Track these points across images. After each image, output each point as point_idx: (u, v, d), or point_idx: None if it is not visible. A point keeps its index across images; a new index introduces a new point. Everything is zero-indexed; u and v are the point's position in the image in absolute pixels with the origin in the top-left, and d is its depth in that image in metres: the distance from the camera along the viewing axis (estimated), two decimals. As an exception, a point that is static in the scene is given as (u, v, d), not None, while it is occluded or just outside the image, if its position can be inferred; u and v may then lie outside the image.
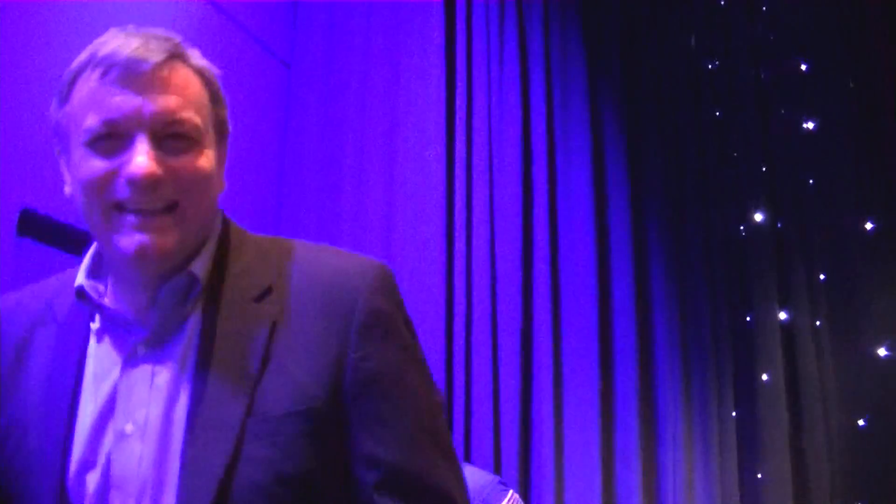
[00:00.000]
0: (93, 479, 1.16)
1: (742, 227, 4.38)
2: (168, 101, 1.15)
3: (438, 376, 3.62)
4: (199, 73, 1.22)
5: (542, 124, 4.16)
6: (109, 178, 1.14)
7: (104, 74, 1.14)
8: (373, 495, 1.15)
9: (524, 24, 4.30)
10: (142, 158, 1.12)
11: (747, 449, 4.09)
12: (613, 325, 4.08)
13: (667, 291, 4.16)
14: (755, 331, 4.24)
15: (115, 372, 1.19)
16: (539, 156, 4.12)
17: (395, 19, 4.15)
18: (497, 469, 3.68)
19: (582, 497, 3.80)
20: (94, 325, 1.24)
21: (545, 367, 3.88)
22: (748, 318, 4.27)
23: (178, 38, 1.21)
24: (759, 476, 4.07)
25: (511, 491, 2.74)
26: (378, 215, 3.91)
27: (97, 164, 1.14)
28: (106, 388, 1.19)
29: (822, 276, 4.32)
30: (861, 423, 4.13)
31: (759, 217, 4.35)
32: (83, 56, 1.18)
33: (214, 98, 1.24)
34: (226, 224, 1.29)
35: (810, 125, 4.45)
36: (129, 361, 1.19)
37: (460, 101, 4.07)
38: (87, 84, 1.15)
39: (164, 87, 1.15)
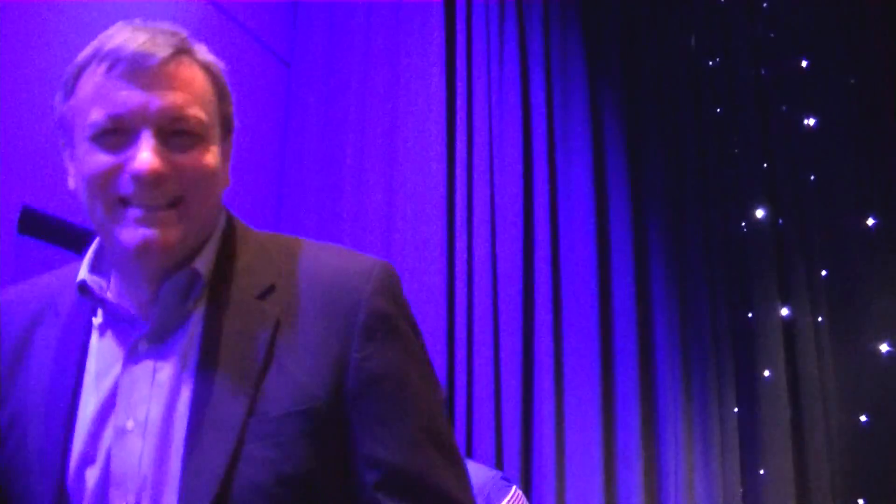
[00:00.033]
0: (92, 476, 1.15)
1: (743, 225, 4.38)
2: (174, 98, 1.14)
3: (440, 373, 3.62)
4: (206, 68, 1.21)
5: (542, 123, 4.16)
6: (114, 172, 1.13)
7: (110, 69, 1.13)
8: (375, 495, 1.14)
9: (524, 23, 4.30)
10: (146, 154, 1.11)
11: (748, 447, 4.09)
12: (614, 324, 4.08)
13: (667, 289, 4.16)
14: (756, 329, 4.24)
15: (117, 368, 1.19)
16: (539, 154, 4.13)
17: (395, 18, 4.15)
18: (499, 466, 3.69)
19: (583, 494, 3.80)
20: (96, 321, 1.23)
21: (546, 364, 3.88)
22: (749, 316, 4.27)
23: (184, 33, 1.20)
24: (761, 473, 4.07)
25: (514, 487, 2.73)
26: (378, 214, 3.91)
27: (102, 159, 1.14)
28: (107, 384, 1.19)
29: (823, 274, 4.32)
30: (862, 419, 4.13)
31: (759, 214, 4.35)
32: (89, 49, 1.17)
33: (220, 94, 1.23)
34: (230, 220, 1.29)
35: (811, 123, 4.45)
36: (131, 357, 1.19)
37: (461, 101, 4.07)
38: (93, 78, 1.15)
39: (170, 82, 1.15)
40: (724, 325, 4.22)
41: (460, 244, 3.90)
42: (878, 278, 4.22)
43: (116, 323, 1.22)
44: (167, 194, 1.14)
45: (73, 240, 2.57)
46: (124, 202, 1.14)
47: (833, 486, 4.04)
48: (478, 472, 2.66)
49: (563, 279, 4.07)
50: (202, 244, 1.22)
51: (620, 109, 4.34)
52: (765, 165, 4.42)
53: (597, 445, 3.85)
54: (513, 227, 4.02)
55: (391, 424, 1.16)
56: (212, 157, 1.19)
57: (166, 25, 1.19)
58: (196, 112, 1.16)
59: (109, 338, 1.22)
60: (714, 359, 4.14)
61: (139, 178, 1.12)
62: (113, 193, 1.14)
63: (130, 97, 1.13)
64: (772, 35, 4.55)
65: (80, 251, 1.28)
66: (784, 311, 4.25)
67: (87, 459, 1.16)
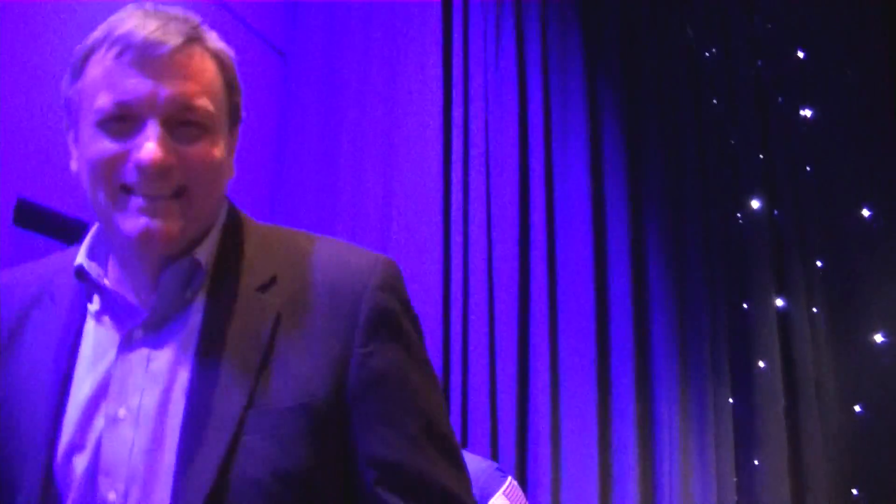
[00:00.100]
0: (81, 463, 1.14)
1: (739, 216, 4.38)
2: (182, 87, 1.13)
3: (436, 365, 3.62)
4: (216, 57, 1.20)
5: (539, 116, 4.16)
6: (119, 160, 1.12)
7: (119, 55, 1.12)
8: (376, 491, 1.13)
9: (522, 16, 4.29)
10: (152, 145, 1.10)
11: (744, 437, 4.10)
12: (610, 315, 4.09)
13: (663, 281, 4.16)
14: (751, 320, 4.24)
15: (111, 354, 1.17)
16: (536, 145, 4.13)
17: (393, 10, 4.14)
18: (494, 457, 3.69)
19: (579, 484, 3.81)
20: (92, 307, 1.22)
21: (542, 355, 3.89)
22: (744, 308, 4.28)
23: (197, 20, 1.19)
24: (756, 463, 4.08)
25: (509, 478, 2.73)
26: (375, 207, 3.91)
27: (107, 145, 1.12)
28: (100, 371, 1.17)
29: (818, 265, 4.32)
30: (857, 411, 4.14)
31: (756, 205, 4.35)
32: (98, 32, 1.15)
33: (229, 84, 1.22)
34: (232, 212, 1.27)
35: (808, 115, 4.45)
36: (126, 345, 1.17)
37: (457, 93, 4.06)
38: (102, 62, 1.13)
39: (179, 72, 1.13)
40: (721, 314, 4.22)
41: (457, 237, 3.90)
42: (874, 270, 4.23)
43: (113, 309, 1.21)
44: (171, 185, 1.13)
45: (68, 231, 2.57)
46: (127, 190, 1.13)
47: (828, 475, 4.05)
48: (473, 463, 2.65)
49: (559, 271, 4.08)
50: (204, 234, 1.21)
51: (618, 103, 4.34)
52: (761, 157, 4.42)
53: (592, 436, 3.86)
54: (509, 216, 4.02)
55: (392, 423, 1.15)
56: (218, 148, 1.18)
57: (178, 10, 1.18)
58: (204, 103, 1.15)
59: (104, 324, 1.20)
60: (709, 350, 4.15)
61: (144, 168, 1.10)
62: (116, 181, 1.13)
63: (139, 85, 1.11)
64: (769, 28, 4.55)
65: (76, 243, 1.26)
66: (779, 303, 4.26)
67: (76, 446, 1.14)
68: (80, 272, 1.20)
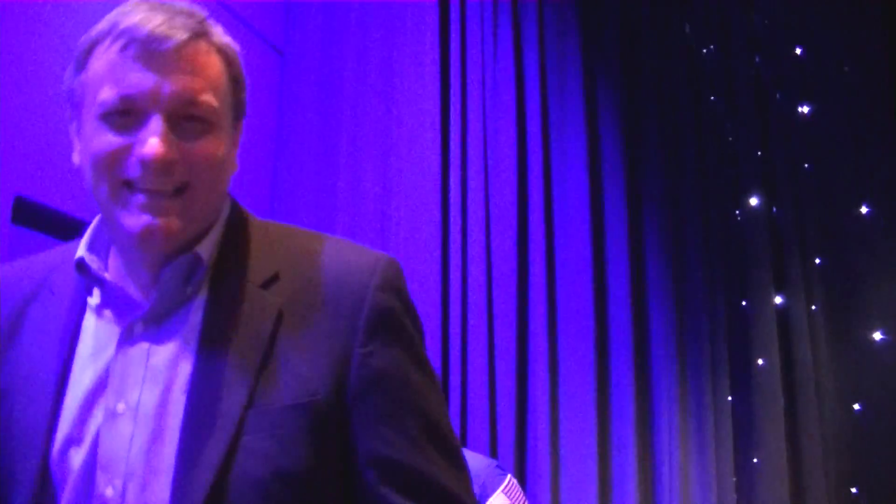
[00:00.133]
0: (78, 458, 1.13)
1: (738, 214, 4.38)
2: (187, 83, 1.12)
3: (435, 363, 3.62)
4: (222, 53, 1.18)
5: (537, 111, 4.15)
6: (121, 154, 1.11)
7: (124, 48, 1.11)
8: (376, 491, 1.13)
9: (519, 12, 4.29)
10: (155, 140, 1.09)
11: (742, 434, 4.10)
12: (609, 312, 4.08)
13: (662, 278, 4.16)
14: (751, 317, 4.25)
15: (111, 349, 1.16)
16: (534, 144, 4.12)
17: (390, 10, 4.13)
18: (493, 454, 3.69)
19: (578, 482, 3.81)
20: (92, 300, 1.21)
21: (541, 353, 3.89)
22: (743, 305, 4.28)
23: (203, 14, 1.17)
24: (755, 461, 4.08)
25: (509, 475, 2.74)
26: (373, 205, 3.90)
27: (110, 139, 1.11)
28: (99, 365, 1.16)
29: (817, 262, 4.33)
30: (856, 407, 4.14)
31: (755, 203, 4.35)
32: (104, 24, 1.14)
33: (234, 79, 1.20)
34: (235, 208, 1.26)
35: (806, 111, 4.45)
36: (126, 339, 1.16)
37: (455, 89, 4.06)
38: (106, 55, 1.12)
39: (184, 67, 1.12)
40: (720, 311, 4.23)
41: (455, 236, 3.90)
42: (873, 267, 4.24)
43: (113, 303, 1.19)
44: (174, 181, 1.12)
45: (66, 229, 2.56)
46: (129, 185, 1.12)
47: (826, 474, 4.05)
48: (473, 461, 2.66)
49: (557, 268, 4.07)
50: (206, 230, 1.20)
51: (616, 99, 4.33)
52: (760, 155, 4.42)
53: (591, 434, 3.86)
54: (508, 216, 4.01)
55: (393, 423, 1.15)
56: (221, 144, 1.17)
57: (184, 5, 1.17)
58: (208, 98, 1.14)
59: (104, 318, 1.19)
60: (708, 347, 4.15)
61: (146, 164, 1.10)
62: (119, 175, 1.12)
63: (143, 79, 1.10)
64: (768, 25, 4.55)
65: (76, 238, 1.25)
66: (778, 300, 4.26)
67: (73, 440, 1.13)
68: (81, 265, 1.19)
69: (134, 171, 1.11)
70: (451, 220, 3.90)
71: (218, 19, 1.21)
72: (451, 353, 3.77)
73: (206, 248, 1.19)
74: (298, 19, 4.16)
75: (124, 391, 1.14)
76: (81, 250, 1.20)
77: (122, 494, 1.11)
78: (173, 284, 1.17)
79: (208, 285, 1.18)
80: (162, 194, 1.12)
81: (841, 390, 4.17)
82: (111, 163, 1.12)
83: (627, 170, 4.23)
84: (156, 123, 1.10)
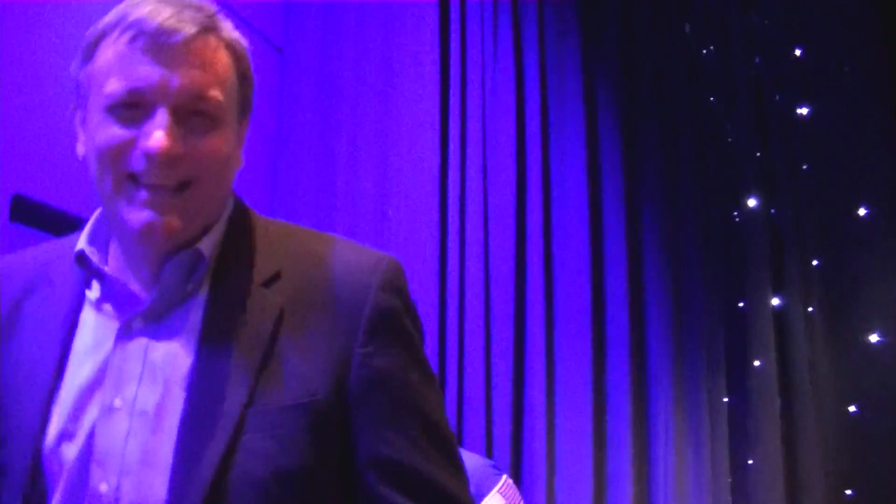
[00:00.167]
0: (71, 452, 1.12)
1: (736, 214, 4.38)
2: (195, 77, 1.11)
3: (432, 361, 3.62)
4: (231, 48, 1.18)
5: (536, 110, 4.15)
6: (126, 147, 1.10)
7: (132, 40, 1.10)
8: (376, 491, 1.13)
9: (519, 12, 4.29)
10: (160, 133, 1.09)
11: (739, 435, 4.11)
12: (606, 311, 4.08)
13: (660, 278, 4.16)
14: (748, 317, 4.25)
15: (109, 344, 1.15)
16: (533, 143, 4.12)
17: (390, 8, 4.13)
18: (489, 454, 3.69)
19: (573, 483, 3.81)
20: (91, 294, 1.20)
21: (538, 353, 3.89)
22: (740, 306, 4.28)
23: (213, 9, 1.17)
24: (751, 462, 4.09)
25: (504, 475, 2.73)
26: (371, 204, 3.90)
27: (115, 132, 1.11)
28: (97, 359, 1.15)
29: (815, 263, 4.33)
30: (852, 409, 4.14)
31: (752, 203, 4.35)
32: (112, 15, 1.13)
33: (242, 75, 1.19)
34: (238, 205, 1.26)
35: (805, 112, 4.45)
36: (124, 334, 1.15)
37: (454, 88, 4.05)
38: (114, 47, 1.12)
39: (192, 61, 1.11)
40: (717, 312, 4.23)
41: (453, 234, 3.89)
42: (870, 268, 4.24)
43: (112, 297, 1.18)
44: (178, 175, 1.11)
45: (64, 227, 2.56)
46: (133, 179, 1.11)
47: (823, 473, 4.05)
48: (468, 461, 2.64)
49: (555, 268, 4.07)
50: (209, 226, 1.19)
51: (615, 98, 4.33)
52: (759, 156, 4.42)
53: (587, 434, 3.86)
54: (506, 215, 4.01)
55: (393, 423, 1.14)
56: (227, 141, 1.16)
57: None
58: (215, 94, 1.13)
59: (103, 312, 1.18)
60: (705, 348, 4.15)
61: (151, 157, 1.09)
62: (123, 168, 1.11)
63: (151, 72, 1.10)
64: (767, 25, 4.55)
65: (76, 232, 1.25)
66: (775, 301, 4.26)
67: (67, 434, 1.12)
68: (82, 258, 1.18)
69: (138, 165, 1.10)
70: (450, 219, 3.90)
71: (218, 17, 1.19)
72: (448, 351, 3.77)
73: (208, 245, 1.18)
74: (298, 18, 4.15)
75: (121, 387, 1.13)
76: (82, 243, 1.19)
77: (117, 491, 1.10)
78: (174, 281, 1.16)
79: (209, 282, 1.18)
80: (165, 190, 1.11)
81: (838, 391, 4.17)
82: (116, 155, 1.11)
83: (626, 170, 4.23)
84: (162, 117, 1.10)
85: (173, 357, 1.13)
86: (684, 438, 4.02)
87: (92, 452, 1.11)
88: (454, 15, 4.14)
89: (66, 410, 1.13)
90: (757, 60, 4.56)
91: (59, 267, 1.23)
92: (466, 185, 3.98)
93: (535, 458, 3.78)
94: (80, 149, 1.18)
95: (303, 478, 1.10)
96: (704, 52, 4.53)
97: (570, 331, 3.99)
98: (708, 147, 4.41)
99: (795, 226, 4.34)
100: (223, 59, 1.16)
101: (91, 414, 1.13)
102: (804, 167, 4.40)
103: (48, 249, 1.30)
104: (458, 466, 1.21)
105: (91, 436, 1.12)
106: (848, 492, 4.07)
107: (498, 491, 2.65)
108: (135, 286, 1.18)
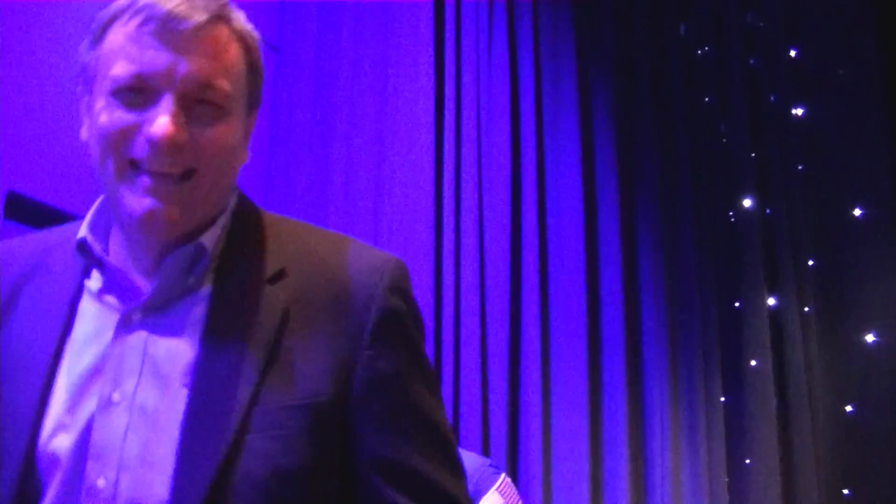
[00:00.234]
0: (67, 445, 1.09)
1: (731, 214, 4.39)
2: (203, 65, 1.09)
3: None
4: (241, 38, 1.15)
5: (531, 110, 4.15)
6: (130, 132, 1.08)
7: (142, 24, 1.09)
8: (377, 491, 1.12)
9: (514, 10, 4.29)
10: (164, 119, 1.07)
11: (735, 434, 4.11)
12: (602, 311, 4.08)
13: (655, 277, 4.16)
14: (743, 318, 4.25)
15: (108, 335, 1.13)
16: (528, 142, 4.12)
17: (385, 7, 4.12)
18: (485, 453, 3.69)
19: (569, 481, 3.81)
20: (91, 284, 1.17)
21: (533, 352, 3.88)
22: (736, 305, 4.29)
23: None
24: (747, 462, 4.09)
25: (503, 474, 2.73)
26: (366, 202, 3.89)
27: (120, 116, 1.09)
28: (96, 350, 1.13)
29: (810, 263, 4.34)
30: (848, 408, 4.15)
31: (748, 203, 4.36)
32: (122, 0, 1.12)
33: (251, 67, 1.17)
34: (242, 199, 1.23)
35: (800, 112, 4.46)
36: (124, 326, 1.12)
37: (449, 88, 4.05)
38: (123, 30, 1.10)
39: (201, 49, 1.10)
40: (712, 312, 4.23)
41: (448, 233, 3.89)
42: (865, 268, 4.25)
43: (112, 287, 1.16)
44: (180, 164, 1.09)
45: (59, 224, 2.55)
46: (135, 165, 1.09)
47: (819, 473, 4.06)
48: (466, 460, 2.63)
49: (550, 267, 4.07)
50: (212, 219, 1.17)
51: (611, 98, 4.33)
52: (753, 155, 4.43)
53: (583, 433, 3.86)
54: (501, 214, 4.00)
55: (395, 425, 1.14)
56: (232, 132, 1.14)
57: None
58: (223, 83, 1.11)
59: (103, 302, 1.16)
60: (701, 348, 4.15)
61: (154, 143, 1.07)
62: (125, 154, 1.09)
63: (158, 58, 1.08)
64: (762, 26, 4.56)
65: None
66: (771, 301, 4.27)
67: (63, 426, 1.10)
68: (83, 246, 1.16)
69: (141, 151, 1.08)
70: (445, 218, 3.89)
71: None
72: (444, 351, 3.76)
73: (210, 239, 1.16)
74: (293, 16, 4.15)
75: (120, 380, 1.10)
76: (83, 231, 1.16)
77: (115, 486, 1.08)
78: (175, 274, 1.14)
79: (213, 277, 1.16)
80: (167, 178, 1.09)
81: (834, 391, 4.18)
82: (119, 140, 1.09)
83: (621, 170, 4.23)
84: (167, 103, 1.08)
85: (174, 353, 1.11)
86: (680, 438, 4.02)
87: (88, 446, 1.09)
88: (449, 14, 4.14)
89: (62, 402, 1.11)
90: (752, 61, 4.57)
91: (59, 255, 1.20)
92: (461, 184, 3.97)
93: (531, 457, 3.78)
94: (84, 133, 1.16)
95: (303, 478, 1.08)
96: (700, 52, 4.54)
97: (565, 330, 3.99)
98: (703, 147, 4.42)
99: (791, 226, 4.35)
100: (233, 49, 1.14)
101: (89, 406, 1.10)
102: (800, 167, 4.41)
103: (46, 236, 1.27)
104: (457, 467, 1.20)
105: (88, 429, 1.09)
106: (845, 491, 4.07)
107: (496, 489, 2.65)
108: (136, 277, 1.16)
